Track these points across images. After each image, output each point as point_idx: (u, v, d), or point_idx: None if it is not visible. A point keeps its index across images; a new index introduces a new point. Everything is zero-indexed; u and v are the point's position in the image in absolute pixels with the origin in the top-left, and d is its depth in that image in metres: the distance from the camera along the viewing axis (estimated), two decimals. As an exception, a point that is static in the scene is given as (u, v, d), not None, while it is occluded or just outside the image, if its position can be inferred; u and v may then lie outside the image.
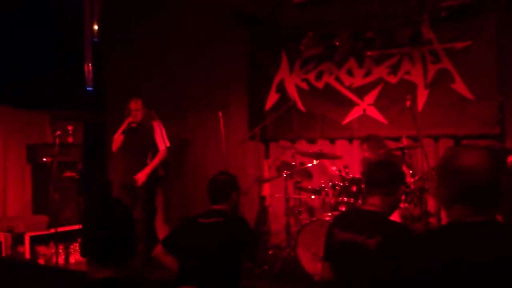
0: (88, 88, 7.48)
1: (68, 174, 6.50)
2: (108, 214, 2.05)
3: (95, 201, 2.21)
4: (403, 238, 2.47)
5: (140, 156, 5.69)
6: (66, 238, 5.98)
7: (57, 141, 5.86)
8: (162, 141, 5.79)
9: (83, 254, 2.07)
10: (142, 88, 7.15)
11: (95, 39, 7.58)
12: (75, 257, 5.91)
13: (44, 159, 6.35)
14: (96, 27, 7.56)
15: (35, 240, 6.09)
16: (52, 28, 8.06)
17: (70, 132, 6.58)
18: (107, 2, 7.58)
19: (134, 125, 5.63)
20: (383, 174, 2.73)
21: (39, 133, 7.32)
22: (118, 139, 5.64)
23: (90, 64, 7.60)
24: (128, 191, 5.58)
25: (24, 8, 8.35)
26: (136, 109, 5.66)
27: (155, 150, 5.77)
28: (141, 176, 5.57)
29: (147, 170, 5.62)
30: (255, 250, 3.42)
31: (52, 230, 5.87)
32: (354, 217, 2.77)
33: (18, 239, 6.16)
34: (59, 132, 5.92)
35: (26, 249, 6.05)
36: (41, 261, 5.94)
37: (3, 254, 6.15)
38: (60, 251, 5.87)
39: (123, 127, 5.62)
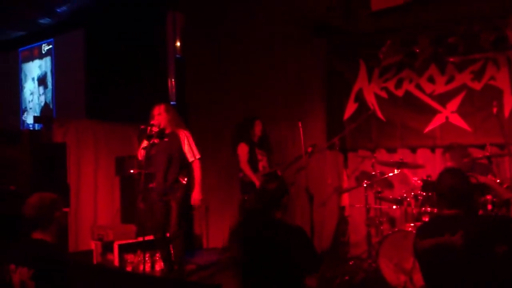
0: (171, 103, 7.75)
1: (154, 185, 6.68)
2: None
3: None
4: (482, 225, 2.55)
5: (167, 167, 5.26)
6: (152, 247, 6.01)
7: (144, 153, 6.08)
8: (192, 153, 5.28)
9: None
10: (221, 101, 7.36)
11: (178, 55, 7.86)
12: (160, 265, 6.06)
13: (132, 171, 6.58)
14: (178, 43, 7.85)
15: (123, 248, 6.24)
16: (138, 46, 8.52)
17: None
18: (188, 18, 7.86)
19: (156, 128, 5.17)
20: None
21: (127, 146, 7.65)
22: (142, 145, 5.26)
23: (173, 79, 7.88)
24: (164, 204, 5.30)
25: (111, 26, 8.88)
26: (158, 113, 5.25)
27: (182, 160, 5.31)
28: (196, 197, 5.25)
29: (197, 189, 5.24)
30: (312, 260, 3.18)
31: (140, 239, 6.06)
32: (433, 223, 2.78)
33: (107, 247, 6.34)
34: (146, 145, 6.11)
35: (115, 257, 6.20)
36: (129, 269, 6.10)
37: (94, 261, 6.38)
38: (147, 259, 6.03)
39: (146, 133, 5.19)
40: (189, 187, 5.35)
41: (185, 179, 5.30)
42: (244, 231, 3.46)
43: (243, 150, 6.07)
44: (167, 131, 5.31)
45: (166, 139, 5.28)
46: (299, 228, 3.28)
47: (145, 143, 5.19)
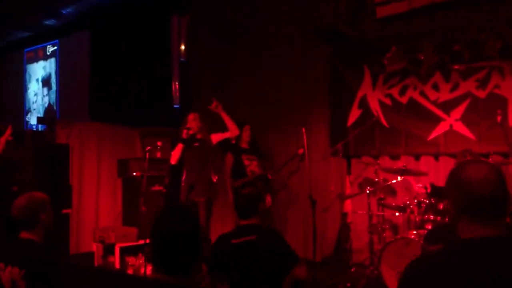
0: (175, 106, 7.76)
1: (156, 188, 6.68)
2: (175, 223, 2.02)
3: (165, 210, 2.18)
4: None
5: (202, 170, 5.60)
6: None
7: (147, 156, 6.09)
8: None
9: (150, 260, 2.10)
10: (225, 105, 7.34)
11: (182, 59, 7.87)
12: None
13: (134, 173, 6.58)
14: (183, 47, 7.86)
15: (124, 251, 6.22)
16: (142, 49, 8.54)
17: (159, 147, 6.76)
18: (193, 22, 7.87)
19: (191, 131, 5.54)
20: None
21: (130, 149, 7.67)
22: (178, 149, 5.55)
23: (177, 83, 7.89)
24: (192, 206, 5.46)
25: (116, 28, 8.91)
26: (194, 119, 5.63)
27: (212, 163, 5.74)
28: None
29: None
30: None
31: (141, 242, 6.06)
32: (443, 230, 2.69)
33: (109, 250, 6.32)
34: (149, 148, 6.13)
35: (116, 259, 6.19)
36: (130, 271, 6.05)
37: (95, 264, 6.38)
38: (148, 262, 6.06)
39: (182, 136, 5.54)
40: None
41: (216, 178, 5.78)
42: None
43: (228, 160, 6.17)
44: (198, 136, 5.66)
45: (196, 144, 5.63)
46: (273, 229, 3.45)
47: (180, 147, 5.50)
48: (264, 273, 3.16)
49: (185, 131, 5.50)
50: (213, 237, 7.12)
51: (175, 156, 5.53)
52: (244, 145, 6.18)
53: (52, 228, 3.01)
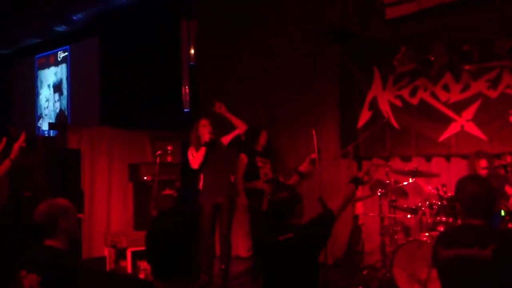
0: (185, 110, 7.78)
1: (167, 192, 6.68)
2: (171, 227, 1.94)
3: (161, 214, 2.13)
4: None
5: (220, 172, 5.60)
6: None
7: (158, 160, 6.10)
8: None
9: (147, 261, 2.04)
10: (235, 108, 7.34)
11: (192, 63, 7.89)
12: None
13: (145, 178, 6.59)
14: (192, 51, 7.89)
15: (136, 255, 6.18)
16: (152, 54, 8.58)
17: (169, 151, 6.76)
18: (202, 26, 7.90)
19: (212, 136, 5.48)
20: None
21: (141, 153, 7.70)
22: (200, 153, 5.46)
23: (187, 87, 7.91)
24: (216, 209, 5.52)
25: (126, 34, 8.97)
26: (204, 125, 5.53)
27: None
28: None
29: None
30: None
31: (153, 246, 6.06)
32: (458, 233, 2.65)
33: (121, 254, 6.30)
34: (159, 152, 6.14)
35: (128, 264, 6.17)
36: (141, 276, 6.02)
37: (107, 268, 6.38)
38: None
39: (204, 140, 5.45)
40: None
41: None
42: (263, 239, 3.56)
43: (242, 162, 6.21)
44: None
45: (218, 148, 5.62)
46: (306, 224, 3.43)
47: (203, 150, 5.42)
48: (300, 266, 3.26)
49: (208, 135, 5.44)
50: (233, 236, 7.23)
51: (197, 160, 5.47)
52: (259, 148, 6.20)
53: (77, 234, 3.00)
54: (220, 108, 5.74)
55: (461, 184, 2.74)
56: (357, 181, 3.61)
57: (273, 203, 3.47)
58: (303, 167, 4.52)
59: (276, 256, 3.31)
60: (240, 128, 5.77)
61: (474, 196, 2.61)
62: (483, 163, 5.10)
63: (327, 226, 3.35)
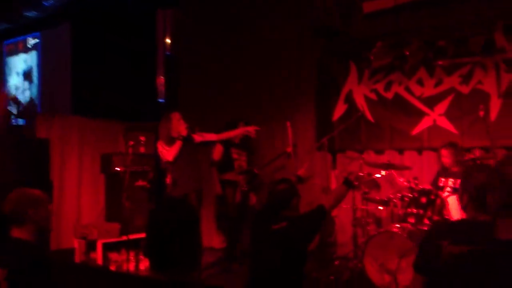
0: (160, 100, 7.68)
1: (140, 183, 6.58)
2: (173, 214, 1.96)
3: (162, 202, 2.12)
4: None
5: (188, 165, 5.53)
6: (137, 246, 5.98)
7: (130, 151, 6.02)
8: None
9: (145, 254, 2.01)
10: (211, 99, 7.31)
11: (168, 53, 7.80)
12: (145, 264, 5.91)
13: (117, 169, 6.48)
14: (168, 40, 7.79)
15: (107, 247, 6.19)
16: (126, 43, 8.43)
17: (142, 142, 6.66)
18: (179, 15, 7.80)
19: (190, 131, 5.43)
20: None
21: (113, 143, 7.57)
22: (176, 146, 5.38)
23: (162, 77, 7.82)
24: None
25: (99, 21, 8.79)
26: (178, 119, 5.43)
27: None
28: None
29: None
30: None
31: (124, 238, 5.99)
32: (465, 228, 2.50)
33: (91, 246, 6.26)
34: (132, 143, 6.04)
35: (98, 256, 6.12)
36: (112, 268, 6.00)
37: (77, 260, 6.30)
38: (131, 258, 5.91)
39: (181, 134, 5.38)
40: None
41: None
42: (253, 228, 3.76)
43: (217, 151, 6.14)
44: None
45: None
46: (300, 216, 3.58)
47: (179, 144, 5.35)
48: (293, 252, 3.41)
49: (186, 131, 5.37)
50: (208, 228, 7.18)
51: (173, 153, 5.37)
52: (236, 140, 6.16)
53: (47, 226, 2.91)
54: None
55: (467, 174, 2.51)
56: (349, 184, 3.68)
57: (272, 194, 3.65)
58: (302, 171, 4.78)
59: (267, 243, 3.45)
60: (219, 137, 5.78)
61: (483, 187, 2.39)
62: (444, 152, 5.21)
63: (319, 220, 3.48)
